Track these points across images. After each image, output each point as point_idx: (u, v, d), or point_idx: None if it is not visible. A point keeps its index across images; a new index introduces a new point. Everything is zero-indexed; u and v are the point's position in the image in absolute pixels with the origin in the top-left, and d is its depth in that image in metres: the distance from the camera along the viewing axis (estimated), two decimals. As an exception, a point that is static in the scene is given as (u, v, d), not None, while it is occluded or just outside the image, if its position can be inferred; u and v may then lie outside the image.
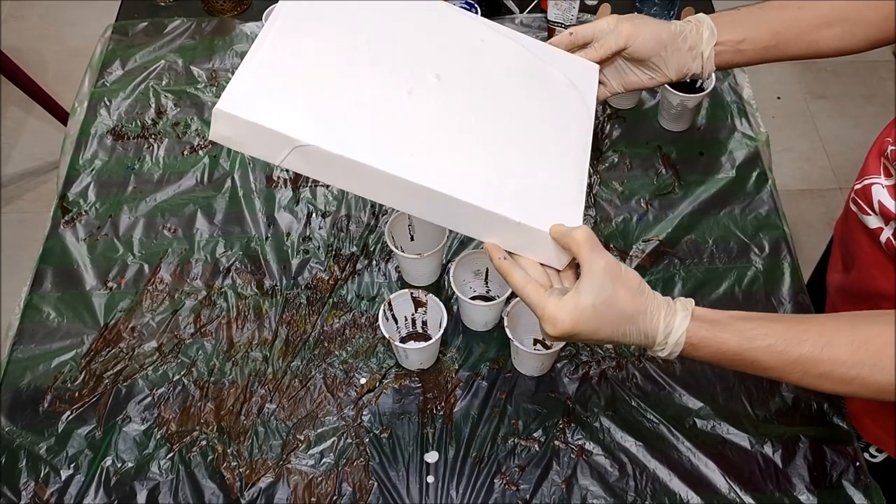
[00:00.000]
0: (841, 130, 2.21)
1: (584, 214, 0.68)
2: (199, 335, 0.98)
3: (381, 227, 1.07)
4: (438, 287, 1.01)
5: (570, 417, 0.90)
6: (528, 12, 1.31)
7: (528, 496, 0.85)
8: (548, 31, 1.24)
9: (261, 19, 1.22)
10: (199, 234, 1.07)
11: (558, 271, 0.70)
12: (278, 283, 1.02)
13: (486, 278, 0.98)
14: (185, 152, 1.16)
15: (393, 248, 0.94)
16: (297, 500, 0.86)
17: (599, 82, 0.85)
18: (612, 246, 1.04)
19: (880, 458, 0.93)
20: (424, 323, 0.95)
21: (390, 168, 0.64)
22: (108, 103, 1.21)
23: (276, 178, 1.12)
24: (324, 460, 0.88)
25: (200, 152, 1.15)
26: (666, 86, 1.01)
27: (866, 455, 0.92)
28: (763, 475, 0.86)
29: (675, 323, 0.64)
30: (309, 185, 1.11)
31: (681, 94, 1.08)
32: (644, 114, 1.18)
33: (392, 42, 0.73)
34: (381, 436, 0.89)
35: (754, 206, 1.08)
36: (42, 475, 0.87)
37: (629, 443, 0.88)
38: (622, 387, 0.92)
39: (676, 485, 0.86)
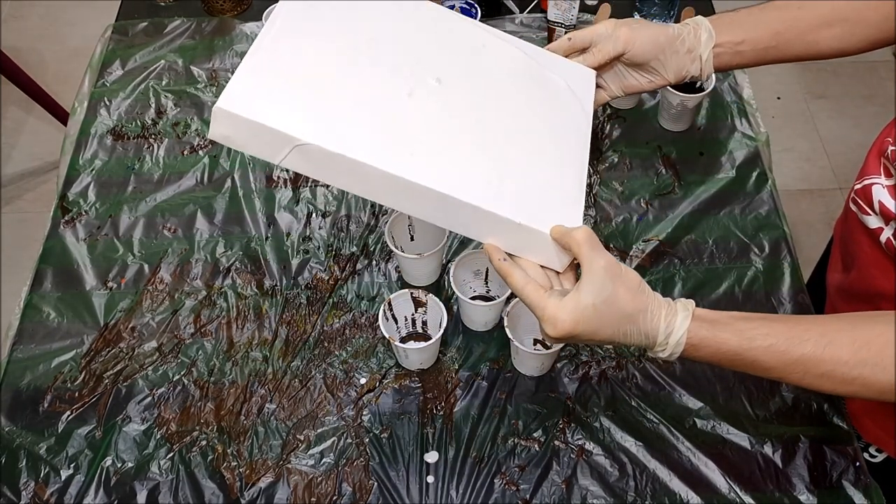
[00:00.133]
0: (841, 130, 2.21)
1: (584, 214, 0.68)
2: (199, 335, 0.98)
3: (381, 227, 1.07)
4: (438, 287, 1.01)
5: (570, 417, 0.90)
6: (528, 12, 1.31)
7: (528, 496, 0.85)
8: (548, 31, 1.24)
9: (261, 19, 1.22)
10: (199, 234, 1.07)
11: (558, 273, 0.70)
12: (278, 283, 1.02)
13: (486, 278, 0.98)
14: (185, 152, 1.16)
15: (393, 248, 0.94)
16: (297, 500, 0.86)
17: (599, 86, 0.85)
18: (612, 246, 1.04)
19: (880, 458, 0.93)
20: (424, 323, 0.95)
21: (390, 168, 0.64)
22: (108, 103, 1.21)
23: (276, 178, 1.12)
24: (324, 460, 0.88)
25: (200, 152, 1.15)
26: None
27: (866, 455, 0.92)
28: (763, 475, 0.86)
29: (675, 323, 0.64)
30: (309, 185, 1.11)
31: (681, 94, 1.08)
32: (644, 114, 1.18)
33: (392, 44, 0.73)
34: (381, 436, 0.89)
35: (754, 206, 1.08)
36: (42, 475, 0.87)
37: (629, 443, 0.88)
38: (622, 387, 0.92)
39: (676, 485, 0.86)
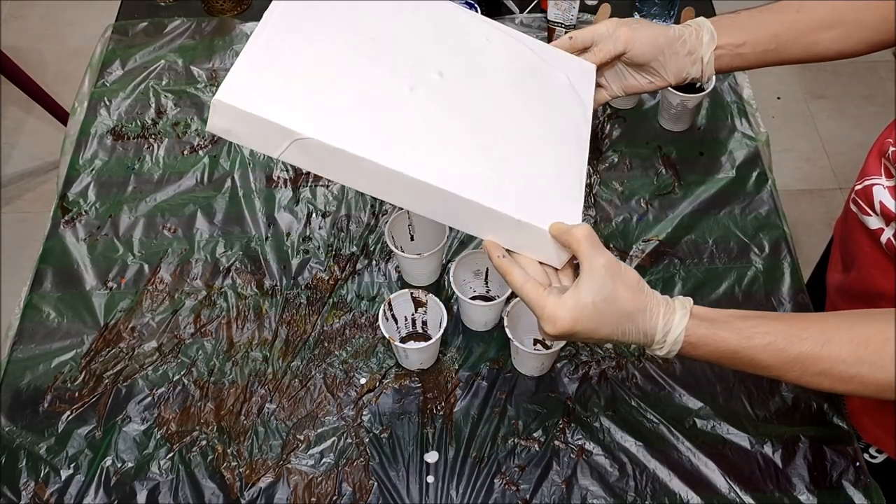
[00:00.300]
0: (841, 130, 2.21)
1: (584, 214, 0.68)
2: (199, 335, 0.98)
3: (381, 227, 1.07)
4: (438, 287, 1.01)
5: (570, 417, 0.90)
6: (528, 12, 1.31)
7: (528, 496, 0.85)
8: (548, 31, 1.24)
9: (261, 19, 1.22)
10: (199, 234, 1.07)
11: (557, 270, 0.70)
12: (278, 283, 1.02)
13: (486, 278, 0.98)
14: (185, 152, 1.16)
15: (393, 248, 0.94)
16: (297, 500, 0.86)
17: (600, 85, 0.85)
18: (612, 246, 1.04)
19: (880, 458, 0.93)
20: (424, 323, 0.95)
21: (390, 163, 0.64)
22: (108, 103, 1.21)
23: (276, 178, 1.12)
24: (324, 460, 0.88)
25: (200, 152, 1.15)
26: (666, 86, 1.01)
27: (866, 456, 0.92)
28: (763, 475, 0.86)
29: (673, 321, 0.64)
30: (309, 185, 1.11)
31: (681, 94, 1.08)
32: (644, 114, 1.18)
33: (394, 39, 0.73)
34: (381, 436, 0.89)
35: (754, 206, 1.08)
36: (42, 475, 0.87)
37: (629, 443, 0.88)
38: (622, 387, 0.92)
39: (676, 485, 0.86)
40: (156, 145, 1.17)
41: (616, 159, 1.13)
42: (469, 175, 0.67)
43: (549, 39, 1.24)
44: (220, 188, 1.11)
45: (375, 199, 1.08)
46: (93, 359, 0.96)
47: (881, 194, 0.78)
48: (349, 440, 0.89)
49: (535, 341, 0.95)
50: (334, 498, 0.86)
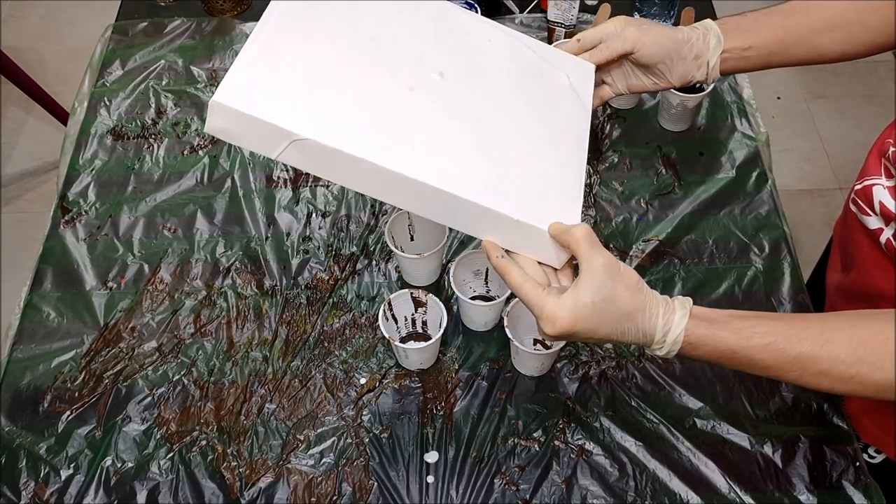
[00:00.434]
0: (841, 130, 2.21)
1: (584, 214, 0.68)
2: (199, 335, 0.98)
3: (381, 227, 1.07)
4: (438, 287, 1.01)
5: (570, 417, 0.90)
6: (528, 12, 1.31)
7: (528, 496, 0.85)
8: (548, 31, 1.24)
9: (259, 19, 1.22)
10: (199, 234, 1.07)
11: (556, 270, 0.70)
12: (278, 283, 1.02)
13: (486, 278, 0.98)
14: (185, 152, 1.16)
15: (393, 248, 0.94)
16: (297, 500, 0.86)
17: (605, 82, 0.85)
18: (612, 246, 1.04)
19: (879, 459, 0.93)
20: (424, 323, 0.95)
21: (389, 164, 0.64)
22: (108, 103, 1.21)
23: (275, 178, 1.12)
24: (324, 460, 0.88)
25: (200, 152, 1.15)
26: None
27: (865, 456, 0.92)
28: (763, 475, 0.86)
29: (673, 321, 0.64)
30: (309, 185, 1.11)
31: (681, 94, 1.08)
32: (644, 114, 1.18)
33: (393, 39, 0.73)
34: (381, 436, 0.89)
35: (754, 206, 1.08)
36: (42, 475, 0.87)
37: (629, 443, 0.88)
38: (622, 387, 0.92)
39: (676, 485, 0.86)
40: (156, 145, 1.17)
41: (616, 159, 1.13)
42: (468, 175, 0.67)
43: (549, 39, 1.24)
44: (220, 188, 1.11)
45: (375, 199, 1.08)
46: (93, 359, 0.96)
47: (881, 194, 0.78)
48: (349, 440, 0.89)
49: (535, 341, 0.95)
50: (334, 498, 0.86)
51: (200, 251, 1.05)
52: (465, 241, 1.05)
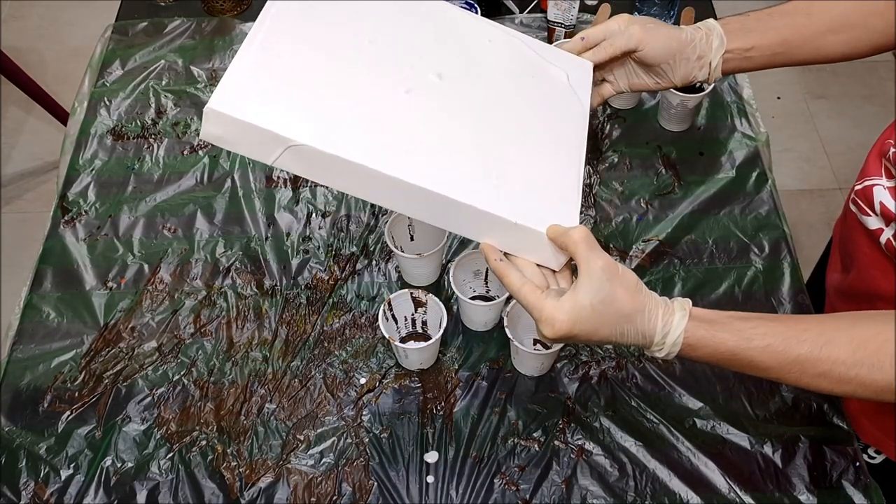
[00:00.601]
0: (841, 130, 2.21)
1: (584, 215, 0.68)
2: (199, 335, 0.98)
3: (381, 227, 1.07)
4: (438, 287, 1.01)
5: (569, 417, 0.90)
6: (528, 12, 1.31)
7: (527, 496, 0.85)
8: (548, 31, 1.24)
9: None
10: (199, 234, 1.07)
11: (554, 272, 0.70)
12: (278, 283, 1.02)
13: (486, 278, 0.98)
14: (185, 152, 1.16)
15: (393, 248, 0.94)
16: (297, 500, 0.86)
17: (606, 80, 0.85)
18: (611, 246, 1.04)
19: (878, 459, 0.93)
20: (424, 323, 0.95)
21: (385, 168, 0.64)
22: (108, 103, 1.21)
23: (275, 178, 1.12)
24: (324, 460, 0.88)
25: (200, 152, 1.15)
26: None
27: (865, 457, 0.92)
28: (763, 475, 0.86)
29: (673, 322, 0.64)
30: (309, 185, 1.11)
31: (681, 94, 1.08)
32: (644, 114, 1.18)
33: (391, 40, 0.72)
34: (381, 436, 0.89)
35: (754, 206, 1.08)
36: (42, 475, 0.87)
37: (629, 443, 0.88)
38: (622, 387, 0.92)
39: (676, 485, 0.86)
40: (156, 145, 1.17)
41: (616, 159, 1.13)
42: (465, 178, 0.67)
43: (549, 39, 1.24)
44: (220, 188, 1.11)
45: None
46: (93, 359, 0.96)
47: (881, 195, 0.78)
48: (349, 440, 0.89)
49: (535, 341, 0.95)
50: (334, 498, 0.86)
51: (200, 251, 1.05)
52: (465, 242, 1.05)
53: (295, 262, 1.04)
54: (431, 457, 0.88)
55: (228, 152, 1.15)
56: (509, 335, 0.88)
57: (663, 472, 0.86)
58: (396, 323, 0.94)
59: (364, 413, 0.91)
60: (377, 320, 0.93)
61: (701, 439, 0.89)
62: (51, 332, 0.99)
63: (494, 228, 0.67)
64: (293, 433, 0.90)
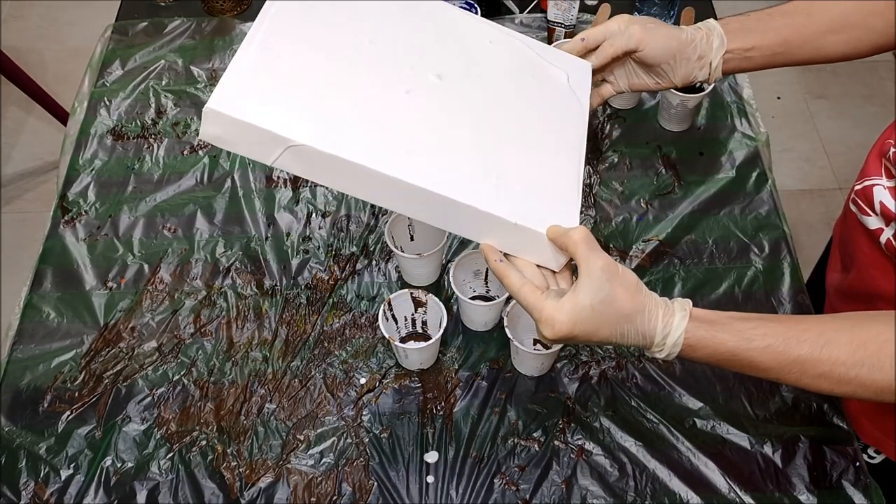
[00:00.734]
0: (841, 130, 2.21)
1: (584, 215, 0.68)
2: (199, 335, 0.98)
3: (381, 227, 1.07)
4: (438, 287, 1.01)
5: (570, 417, 0.90)
6: (528, 12, 1.31)
7: (527, 496, 0.85)
8: (548, 31, 1.24)
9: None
10: (199, 234, 1.07)
11: (554, 273, 0.70)
12: (278, 283, 1.02)
13: (486, 278, 0.98)
14: (185, 152, 1.16)
15: (393, 248, 0.94)
16: (297, 500, 0.86)
17: (606, 81, 0.85)
18: (611, 246, 1.04)
19: (879, 459, 0.93)
20: (424, 323, 0.95)
21: (385, 168, 0.64)
22: (108, 103, 1.21)
23: (275, 178, 1.12)
24: (324, 460, 0.88)
25: (200, 152, 1.15)
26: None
27: (865, 457, 0.92)
28: (763, 475, 0.86)
29: (673, 323, 0.64)
30: (309, 185, 1.11)
31: (681, 94, 1.08)
32: (644, 114, 1.18)
33: (390, 40, 0.72)
34: (381, 436, 0.89)
35: (754, 206, 1.08)
36: (42, 475, 0.87)
37: (629, 443, 0.88)
38: (622, 387, 0.92)
39: (676, 485, 0.86)
40: (156, 145, 1.17)
41: (616, 159, 1.13)
42: (465, 179, 0.67)
43: (549, 39, 1.24)
44: (220, 188, 1.11)
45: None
46: (93, 359, 0.96)
47: (881, 195, 0.78)
48: (349, 440, 0.89)
49: (535, 341, 0.95)
50: (334, 498, 0.86)
51: (200, 251, 1.05)
52: (465, 242, 1.05)
53: (295, 262, 1.04)
54: (431, 457, 0.88)
55: (228, 152, 1.15)
56: (509, 335, 0.88)
57: (663, 472, 0.86)
58: (396, 323, 0.94)
59: (364, 413, 0.91)
60: (377, 320, 0.93)
61: (701, 439, 0.89)
62: (51, 332, 0.99)
63: (494, 229, 0.67)
64: (293, 433, 0.90)
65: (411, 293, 0.92)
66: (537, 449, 0.88)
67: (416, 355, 0.91)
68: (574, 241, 0.64)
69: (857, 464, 0.86)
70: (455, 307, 0.98)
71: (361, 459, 0.88)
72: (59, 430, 0.90)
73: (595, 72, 0.82)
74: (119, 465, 0.88)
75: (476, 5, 1.22)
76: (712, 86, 1.10)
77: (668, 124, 1.16)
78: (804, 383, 0.64)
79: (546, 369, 0.93)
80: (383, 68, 0.70)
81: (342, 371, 0.94)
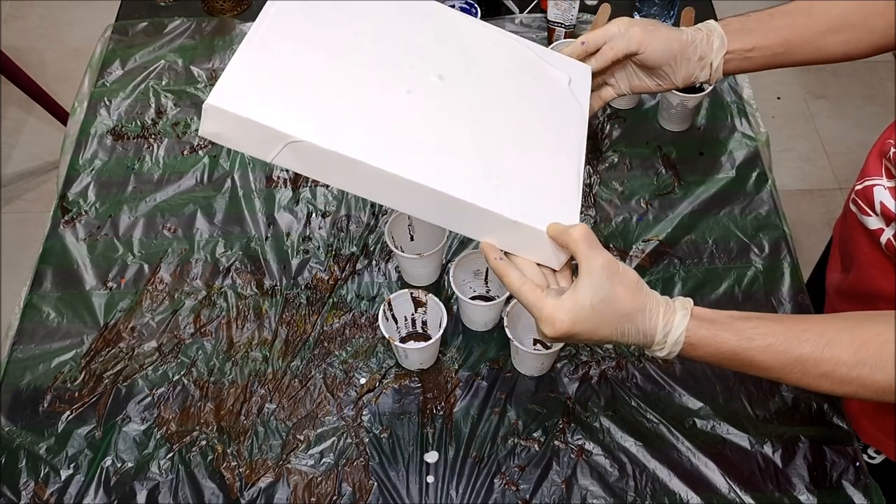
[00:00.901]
0: (841, 130, 2.21)
1: (584, 215, 0.68)
2: (199, 335, 0.98)
3: (381, 227, 1.07)
4: (438, 287, 1.01)
5: (570, 417, 0.90)
6: (528, 12, 1.31)
7: (527, 496, 0.85)
8: (548, 31, 1.24)
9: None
10: (199, 234, 1.07)
11: (555, 271, 0.70)
12: (278, 283, 1.02)
13: (486, 278, 0.98)
14: (185, 152, 1.16)
15: (393, 248, 0.94)
16: (297, 500, 0.86)
17: (607, 83, 0.85)
18: (611, 246, 1.04)
19: (878, 459, 0.93)
20: (424, 323, 0.95)
21: (384, 165, 0.64)
22: (107, 103, 1.21)
23: (275, 178, 1.12)
24: (324, 460, 0.88)
25: (200, 152, 1.15)
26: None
27: (865, 457, 0.92)
28: (763, 475, 0.86)
29: (674, 322, 0.64)
30: (309, 185, 1.11)
31: (681, 94, 1.08)
32: (644, 114, 1.18)
33: (391, 41, 0.72)
34: (381, 436, 0.89)
35: (754, 206, 1.08)
36: (42, 475, 0.87)
37: (629, 443, 0.88)
38: (622, 387, 0.92)
39: (676, 485, 0.86)
40: (156, 145, 1.17)
41: (616, 159, 1.13)
42: (465, 177, 0.67)
43: (549, 39, 1.24)
44: (220, 188, 1.11)
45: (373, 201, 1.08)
46: (93, 359, 0.96)
47: (881, 195, 0.78)
48: (349, 440, 0.89)
49: (535, 341, 0.95)
50: (334, 498, 0.86)
51: (200, 251, 1.05)
52: (465, 242, 1.05)
53: (295, 262, 1.04)
54: (431, 457, 0.88)
55: (228, 152, 1.15)
56: (509, 335, 0.88)
57: (663, 472, 0.86)
58: (396, 323, 0.94)
59: (364, 413, 0.91)
60: (377, 320, 0.93)
61: (701, 439, 0.89)
62: (51, 332, 0.99)
63: (495, 227, 0.67)
64: (293, 433, 0.90)
65: (411, 293, 0.92)
66: (537, 449, 0.88)
67: (416, 355, 0.91)
68: (574, 238, 0.64)
69: (857, 464, 0.86)
70: (455, 307, 0.98)
71: (361, 459, 0.88)
72: (59, 430, 0.90)
73: (596, 75, 0.82)
74: (119, 465, 0.88)
75: (476, 5, 1.22)
76: (712, 86, 1.10)
77: (668, 124, 1.16)
78: (805, 383, 0.64)
79: (546, 369, 0.93)
80: (384, 68, 0.70)
81: (342, 371, 0.94)
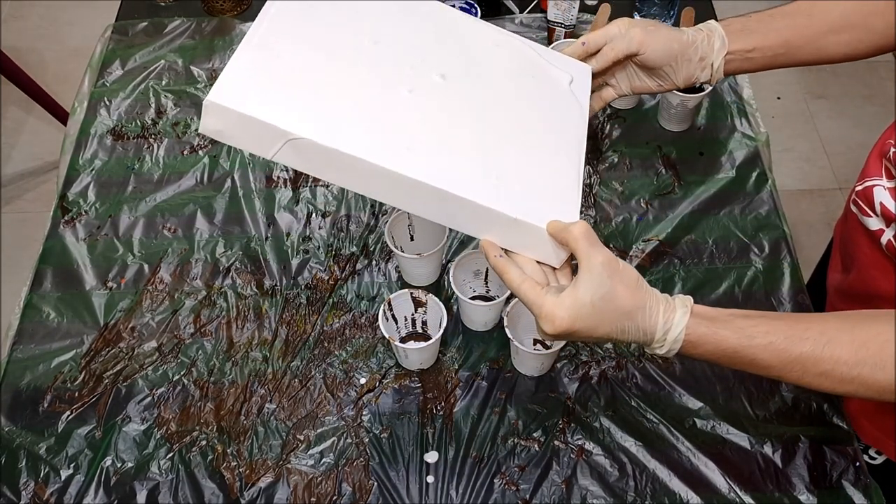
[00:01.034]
0: (841, 130, 2.21)
1: (584, 214, 0.68)
2: (199, 335, 0.98)
3: (381, 227, 1.07)
4: (438, 287, 1.01)
5: (570, 417, 0.90)
6: (528, 12, 1.31)
7: (527, 496, 0.85)
8: (548, 31, 1.24)
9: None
10: (199, 234, 1.07)
11: (555, 269, 0.70)
12: (278, 283, 1.02)
13: (486, 278, 0.98)
14: (185, 152, 1.16)
15: (393, 248, 0.94)
16: (297, 500, 0.86)
17: (608, 84, 0.85)
18: (611, 246, 1.04)
19: (879, 460, 0.93)
20: (424, 323, 0.95)
21: (385, 163, 0.64)
22: (107, 103, 1.21)
23: (275, 178, 1.12)
24: (324, 460, 0.88)
25: (200, 152, 1.15)
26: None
27: (865, 457, 0.92)
28: (763, 475, 0.86)
29: (674, 319, 0.64)
30: (309, 185, 1.11)
31: (681, 94, 1.08)
32: (644, 114, 1.18)
33: (391, 40, 0.72)
34: (381, 436, 0.89)
35: (754, 206, 1.08)
36: (42, 475, 0.87)
37: (629, 443, 0.88)
38: (622, 387, 0.92)
39: (676, 485, 0.86)
40: (156, 145, 1.17)
41: (616, 159, 1.13)
42: (466, 174, 0.67)
43: (549, 39, 1.24)
44: (220, 188, 1.11)
45: (374, 199, 1.08)
46: (93, 359, 0.96)
47: (882, 195, 0.78)
48: (349, 440, 0.89)
49: (535, 341, 0.95)
50: (334, 498, 0.86)
51: (200, 251, 1.05)
52: (465, 242, 1.05)
53: (295, 262, 1.04)
54: (431, 457, 0.88)
55: (228, 152, 1.15)
56: (509, 335, 0.88)
57: (663, 472, 0.86)
58: (396, 323, 0.94)
59: (364, 413, 0.91)
60: (377, 320, 0.93)
61: (701, 439, 0.89)
62: (51, 332, 0.98)
63: (495, 225, 0.68)
64: (293, 433, 0.90)
65: (411, 293, 0.92)
66: (537, 449, 0.88)
67: (416, 355, 0.91)
68: (574, 235, 0.64)
69: (857, 464, 0.86)
70: (455, 307, 0.98)
71: (361, 459, 0.88)
72: (59, 430, 0.90)
73: (596, 75, 0.82)
74: (119, 465, 0.88)
75: (476, 5, 1.22)
76: (713, 86, 1.10)
77: (668, 124, 1.16)
78: (805, 382, 0.64)
79: (546, 369, 0.93)
80: (384, 68, 0.70)
81: (342, 371, 0.94)
